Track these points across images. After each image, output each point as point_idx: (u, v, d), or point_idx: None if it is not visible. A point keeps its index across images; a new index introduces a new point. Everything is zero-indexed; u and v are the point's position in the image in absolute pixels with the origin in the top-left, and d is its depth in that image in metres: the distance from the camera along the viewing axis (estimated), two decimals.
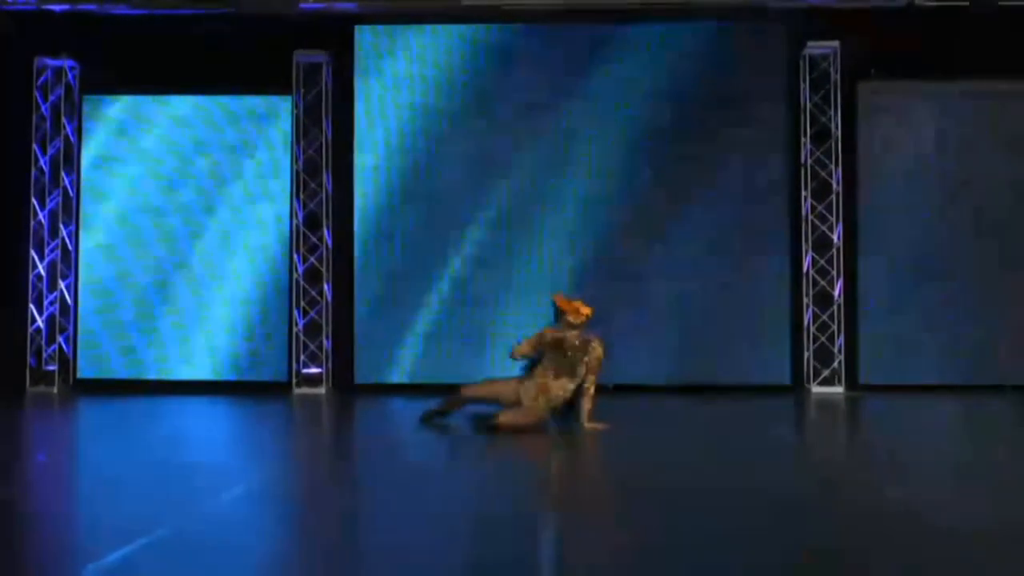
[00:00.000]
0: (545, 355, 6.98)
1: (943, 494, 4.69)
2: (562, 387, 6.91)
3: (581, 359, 6.92)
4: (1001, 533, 3.84)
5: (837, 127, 10.74)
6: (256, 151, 10.99)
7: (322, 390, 10.77)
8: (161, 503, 4.48)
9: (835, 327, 10.69)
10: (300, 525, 4.29)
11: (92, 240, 11.00)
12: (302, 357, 10.87)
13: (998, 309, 10.62)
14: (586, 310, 6.99)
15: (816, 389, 10.58)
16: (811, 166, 10.81)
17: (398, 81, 10.88)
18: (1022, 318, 10.60)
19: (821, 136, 10.78)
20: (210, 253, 10.93)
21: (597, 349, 6.95)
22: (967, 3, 10.22)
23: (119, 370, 10.89)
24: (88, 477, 5.57)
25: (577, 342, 6.97)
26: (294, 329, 10.85)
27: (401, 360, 10.82)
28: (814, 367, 10.69)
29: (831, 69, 10.75)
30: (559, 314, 7.07)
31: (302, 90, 10.96)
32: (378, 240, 10.86)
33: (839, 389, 10.57)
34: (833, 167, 10.76)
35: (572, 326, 6.99)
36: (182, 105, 10.99)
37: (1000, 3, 10.17)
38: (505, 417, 6.79)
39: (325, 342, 10.89)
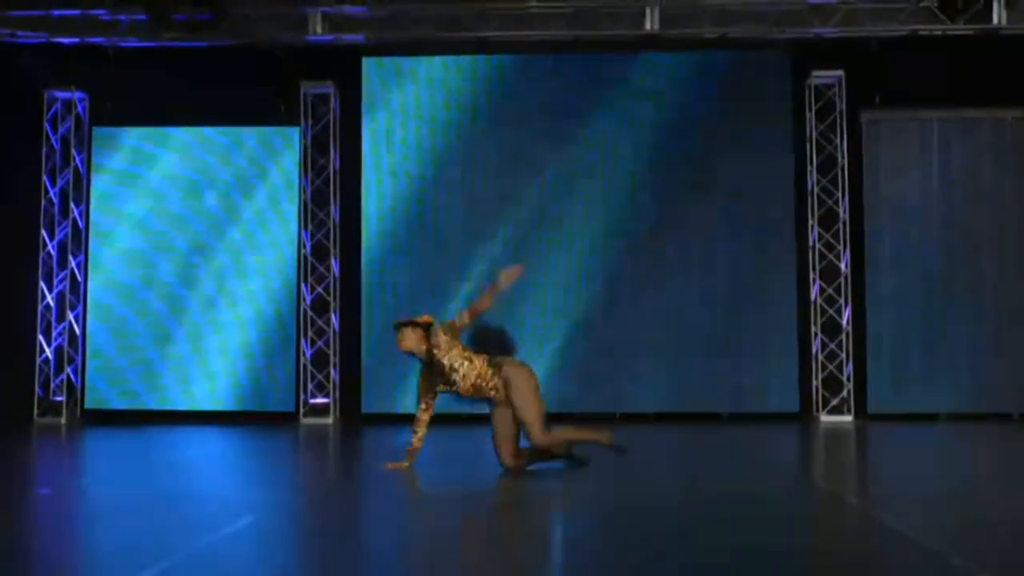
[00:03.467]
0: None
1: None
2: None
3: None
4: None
5: (843, 155, 10.76)
6: (264, 182, 11.05)
7: (329, 420, 10.76)
8: (166, 534, 4.47)
9: (843, 355, 10.65)
10: (306, 557, 4.27)
11: (100, 271, 11.06)
12: (310, 387, 10.87)
13: (1008, 337, 10.58)
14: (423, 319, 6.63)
15: (825, 418, 10.53)
16: (818, 195, 10.82)
17: (405, 112, 10.95)
18: None
19: (827, 165, 10.80)
20: (218, 283, 10.97)
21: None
22: (971, 32, 10.26)
23: (127, 401, 10.90)
24: (93, 508, 5.55)
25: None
26: (302, 359, 10.85)
27: (408, 390, 10.78)
28: (823, 395, 10.65)
29: (836, 98, 10.79)
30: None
31: (310, 121, 11.04)
32: (385, 270, 10.88)
33: (848, 418, 10.52)
34: (840, 195, 10.76)
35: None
36: (191, 137, 11.08)
37: (1002, 32, 10.20)
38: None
39: (332, 372, 10.89)
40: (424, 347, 6.43)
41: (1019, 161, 10.72)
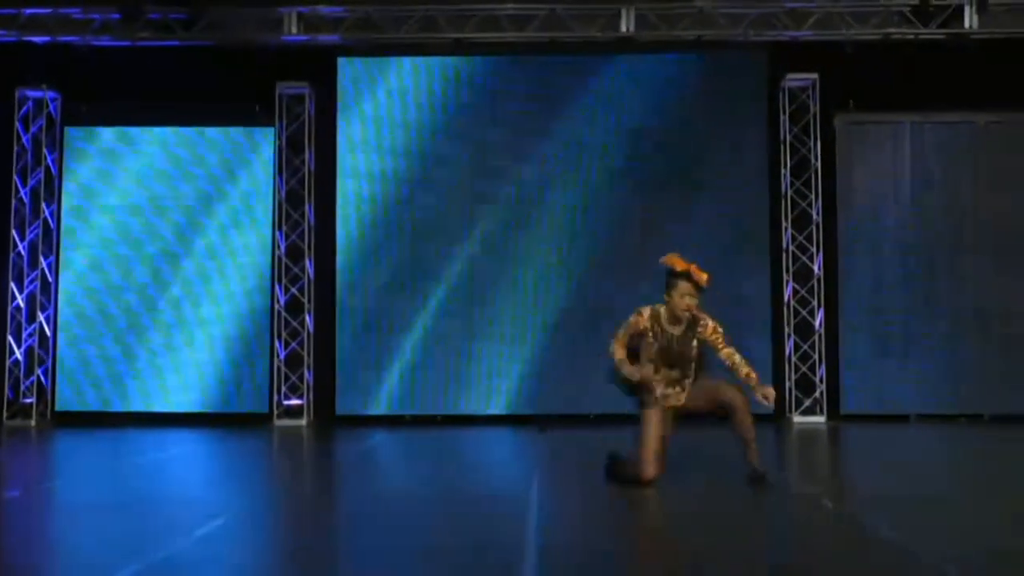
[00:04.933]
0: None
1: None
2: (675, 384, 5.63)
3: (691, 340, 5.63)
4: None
5: (816, 158, 10.83)
6: (238, 182, 10.99)
7: (303, 422, 10.71)
8: (136, 537, 4.43)
9: (816, 357, 10.72)
10: (277, 559, 4.25)
11: (72, 272, 10.95)
12: (283, 388, 10.81)
13: (978, 338, 10.68)
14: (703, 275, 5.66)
15: (798, 419, 10.59)
16: (791, 197, 10.88)
17: (380, 113, 10.92)
18: (1003, 347, 10.66)
19: (801, 167, 10.87)
20: (191, 284, 10.90)
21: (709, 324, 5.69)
22: (943, 36, 10.35)
23: (98, 402, 10.81)
24: (63, 511, 5.50)
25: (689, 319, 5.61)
26: (275, 360, 10.80)
27: (383, 392, 10.79)
28: (796, 397, 10.71)
29: (810, 101, 10.85)
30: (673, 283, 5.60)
31: (284, 121, 10.98)
32: (360, 271, 10.85)
33: (821, 419, 10.59)
34: (813, 198, 10.83)
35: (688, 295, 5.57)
36: (164, 136, 10.99)
37: (973, 37, 10.30)
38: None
39: (306, 373, 10.84)
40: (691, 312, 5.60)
41: (991, 164, 10.83)
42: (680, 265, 5.66)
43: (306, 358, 10.84)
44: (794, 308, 10.78)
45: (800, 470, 7.43)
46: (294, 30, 10.44)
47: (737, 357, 5.69)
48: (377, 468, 7.61)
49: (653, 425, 5.61)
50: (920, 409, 10.61)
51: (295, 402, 10.81)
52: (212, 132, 11.00)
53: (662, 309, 5.68)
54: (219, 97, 10.78)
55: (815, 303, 10.76)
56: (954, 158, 10.86)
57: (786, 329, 10.73)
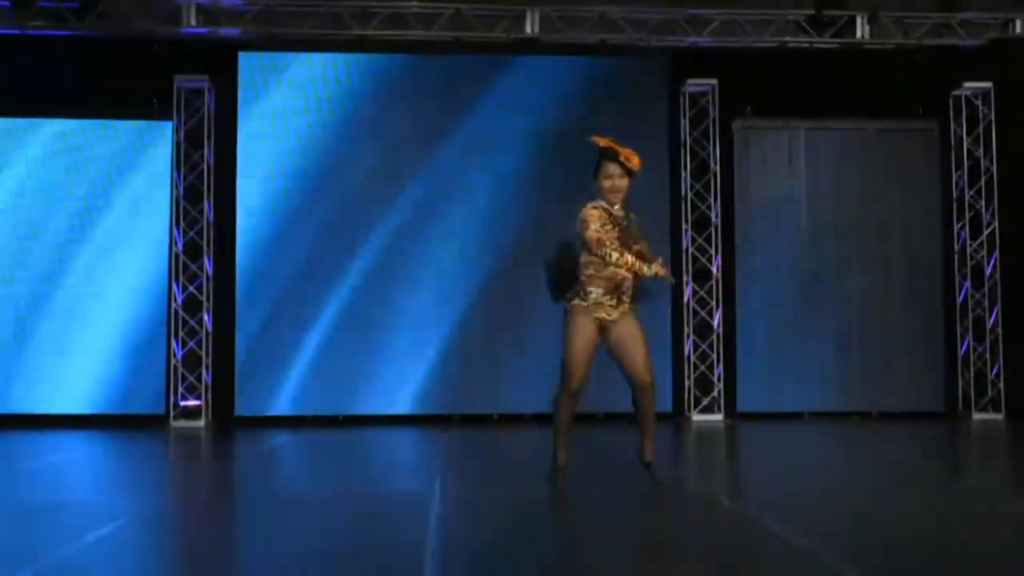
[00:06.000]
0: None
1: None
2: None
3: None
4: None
5: (715, 162, 11.06)
6: (135, 177, 10.69)
7: (201, 423, 10.49)
8: (25, 544, 4.28)
9: (715, 356, 10.95)
10: (172, 564, 4.16)
11: None
12: (180, 389, 10.57)
13: (868, 338, 11.06)
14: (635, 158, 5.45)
15: (696, 417, 10.80)
16: (691, 199, 11.09)
17: (282, 108, 10.76)
18: (889, 347, 11.06)
19: (700, 170, 11.09)
20: (84, 282, 10.56)
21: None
22: (836, 45, 10.70)
23: None
24: None
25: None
26: (172, 360, 10.55)
27: (284, 392, 10.63)
28: (695, 395, 10.93)
29: (709, 106, 11.08)
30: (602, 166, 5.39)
31: (183, 116, 10.74)
32: (260, 269, 10.67)
33: (719, 417, 10.82)
34: (712, 200, 11.06)
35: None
36: (58, 128, 10.63)
37: (865, 46, 10.67)
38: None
39: (205, 374, 10.62)
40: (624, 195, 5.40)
41: (880, 171, 11.23)
42: (603, 141, 5.45)
43: (204, 358, 10.62)
44: (693, 308, 11.00)
45: (698, 468, 7.58)
46: (193, 22, 10.21)
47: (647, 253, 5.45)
48: (277, 470, 7.50)
49: (580, 331, 5.30)
50: (813, 407, 10.94)
51: (193, 403, 10.57)
52: (108, 125, 10.67)
53: (601, 201, 5.44)
54: (115, 90, 10.48)
55: (713, 303, 10.99)
56: (845, 164, 11.23)
57: (685, 329, 10.94)
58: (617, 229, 5.39)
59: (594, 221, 5.39)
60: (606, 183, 5.43)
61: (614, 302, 5.38)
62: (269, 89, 10.77)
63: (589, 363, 5.36)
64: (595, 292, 5.35)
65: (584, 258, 5.41)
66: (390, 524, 4.78)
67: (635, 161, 5.46)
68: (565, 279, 5.42)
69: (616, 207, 5.45)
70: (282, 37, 10.48)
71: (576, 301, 5.36)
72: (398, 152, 10.80)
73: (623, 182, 5.43)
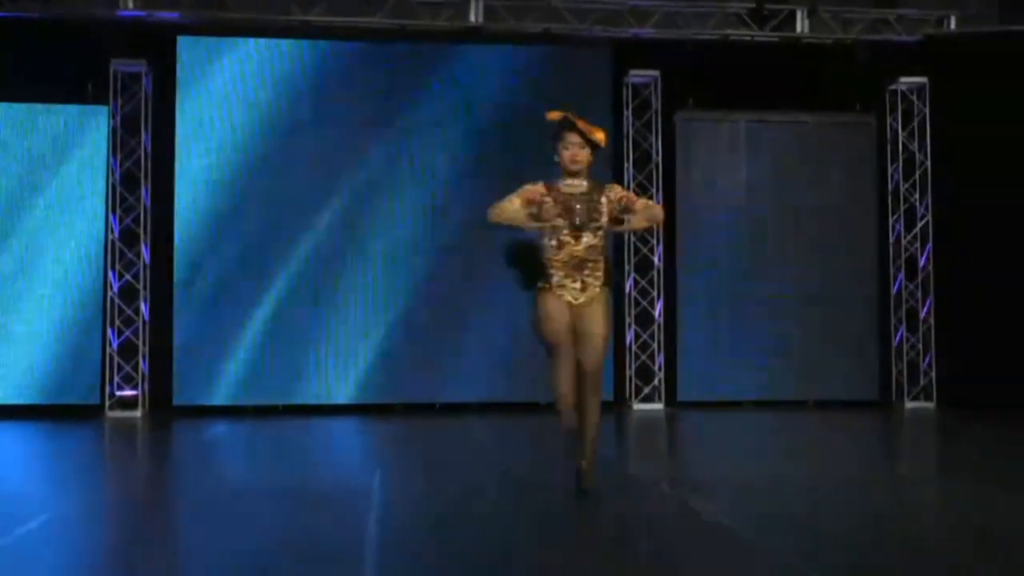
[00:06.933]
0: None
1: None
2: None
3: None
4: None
5: (658, 153, 11.14)
6: (69, 163, 10.46)
7: (138, 413, 10.33)
8: None
9: (655, 346, 11.05)
10: (105, 558, 4.09)
11: None
12: (116, 378, 10.40)
13: (806, 329, 11.23)
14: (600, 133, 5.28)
15: (637, 406, 10.89)
16: (633, 190, 11.14)
17: (221, 94, 10.60)
18: (825, 336, 11.24)
19: (642, 161, 11.15)
20: (16, 270, 10.32)
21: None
22: (776, 39, 10.83)
23: None
24: None
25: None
26: (108, 349, 10.37)
27: (223, 381, 10.51)
28: (636, 385, 11.02)
29: (652, 97, 11.15)
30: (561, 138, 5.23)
31: (120, 101, 10.53)
32: (199, 256, 10.51)
33: (659, 406, 10.93)
34: (654, 191, 11.13)
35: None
36: None
37: (804, 40, 10.82)
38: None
39: (141, 363, 10.45)
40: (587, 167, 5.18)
41: (819, 163, 11.40)
42: (555, 115, 5.28)
43: (141, 347, 10.45)
44: (635, 299, 11.07)
45: (639, 456, 7.65)
46: (130, 5, 10.02)
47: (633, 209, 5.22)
48: (215, 462, 7.42)
49: (548, 308, 5.05)
50: (751, 396, 11.09)
51: (129, 393, 10.41)
52: (42, 109, 10.43)
53: (558, 179, 5.22)
54: (50, 73, 10.24)
55: (655, 294, 11.08)
56: (785, 156, 11.38)
57: (627, 319, 11.01)
58: (563, 199, 5.13)
59: (511, 196, 5.23)
60: (566, 153, 5.18)
61: (579, 284, 5.10)
62: (208, 74, 10.61)
63: (567, 333, 5.04)
64: (556, 275, 5.12)
65: (541, 241, 5.22)
66: (329, 516, 4.75)
67: (600, 135, 5.28)
68: (533, 267, 5.17)
69: (576, 180, 5.21)
70: (222, 22, 10.32)
71: (542, 284, 5.14)
72: (339, 140, 10.71)
73: (584, 152, 5.19)
